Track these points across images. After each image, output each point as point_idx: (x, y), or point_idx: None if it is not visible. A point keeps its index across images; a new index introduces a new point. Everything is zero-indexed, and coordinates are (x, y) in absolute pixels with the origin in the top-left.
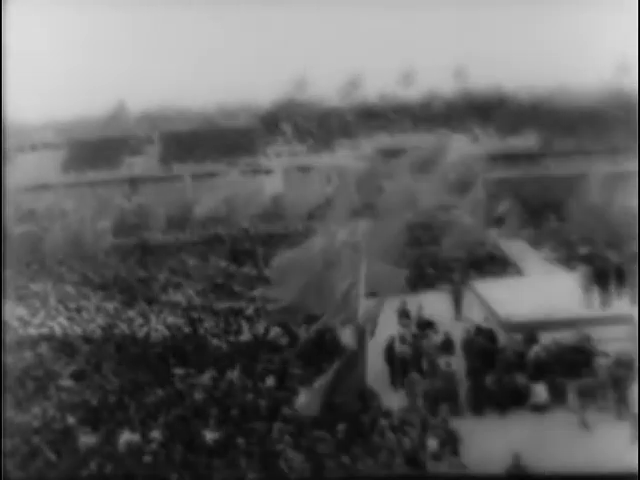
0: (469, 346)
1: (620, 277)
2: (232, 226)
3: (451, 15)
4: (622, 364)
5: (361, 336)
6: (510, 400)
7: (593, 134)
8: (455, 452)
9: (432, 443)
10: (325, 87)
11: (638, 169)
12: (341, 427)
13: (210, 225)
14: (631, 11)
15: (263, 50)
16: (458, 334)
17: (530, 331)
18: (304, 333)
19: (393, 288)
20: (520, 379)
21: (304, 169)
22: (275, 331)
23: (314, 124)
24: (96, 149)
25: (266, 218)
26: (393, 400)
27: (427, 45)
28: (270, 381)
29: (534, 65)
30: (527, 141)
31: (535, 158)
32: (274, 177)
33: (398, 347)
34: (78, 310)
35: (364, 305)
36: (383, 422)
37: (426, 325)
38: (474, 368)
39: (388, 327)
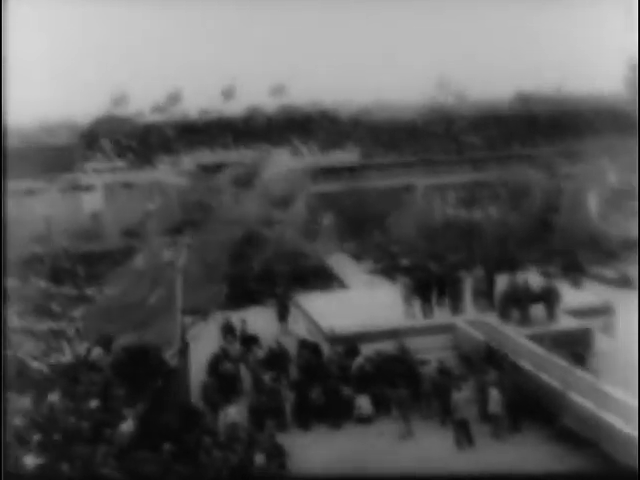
0: (294, 360)
1: (441, 287)
2: (51, 245)
3: (272, 31)
4: (444, 372)
5: (183, 353)
6: (336, 413)
7: (413, 147)
8: (282, 466)
9: (259, 458)
10: (145, 102)
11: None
12: (166, 447)
13: (29, 244)
14: (452, 28)
15: (83, 66)
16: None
17: (353, 343)
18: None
19: (213, 304)
20: (345, 391)
21: (125, 185)
22: (97, 352)
23: (134, 140)
24: None
25: (86, 236)
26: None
27: (249, 60)
28: (93, 403)
29: (355, 80)
30: (349, 155)
31: (357, 172)
32: (94, 194)
33: (222, 364)
34: None
35: (183, 322)
36: (208, 440)
37: (250, 340)
38: (299, 382)
39: (212, 343)
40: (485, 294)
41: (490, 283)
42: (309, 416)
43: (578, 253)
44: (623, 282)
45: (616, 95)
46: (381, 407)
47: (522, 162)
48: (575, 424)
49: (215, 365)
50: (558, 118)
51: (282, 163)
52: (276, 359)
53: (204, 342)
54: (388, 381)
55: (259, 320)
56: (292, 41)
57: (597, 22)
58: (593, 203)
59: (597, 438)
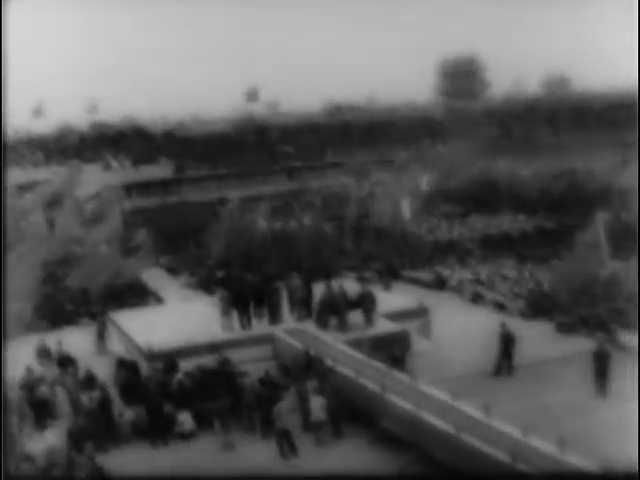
0: (112, 380)
1: (258, 298)
2: None
3: (84, 47)
4: (265, 383)
5: None
6: (157, 430)
7: (227, 159)
8: None
9: None
10: None
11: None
12: None
13: None
14: (264, 38)
15: None
16: (101, 368)
17: (172, 359)
18: None
19: (20, 326)
20: (166, 408)
21: None
22: None
23: None
24: None
25: None
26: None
27: (60, 78)
28: None
29: (168, 95)
30: (162, 169)
31: (171, 186)
32: None
33: (37, 387)
34: None
35: None
36: (26, 466)
37: (67, 362)
38: (118, 401)
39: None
40: (303, 303)
41: (307, 291)
42: (130, 434)
43: (393, 257)
44: (437, 284)
45: (428, 103)
46: (203, 422)
47: (336, 170)
48: (395, 426)
49: (30, 389)
50: (371, 127)
51: (94, 180)
52: (94, 380)
53: (19, 366)
54: (209, 395)
55: (75, 340)
56: (104, 57)
57: (407, 29)
58: (406, 208)
59: (417, 438)
